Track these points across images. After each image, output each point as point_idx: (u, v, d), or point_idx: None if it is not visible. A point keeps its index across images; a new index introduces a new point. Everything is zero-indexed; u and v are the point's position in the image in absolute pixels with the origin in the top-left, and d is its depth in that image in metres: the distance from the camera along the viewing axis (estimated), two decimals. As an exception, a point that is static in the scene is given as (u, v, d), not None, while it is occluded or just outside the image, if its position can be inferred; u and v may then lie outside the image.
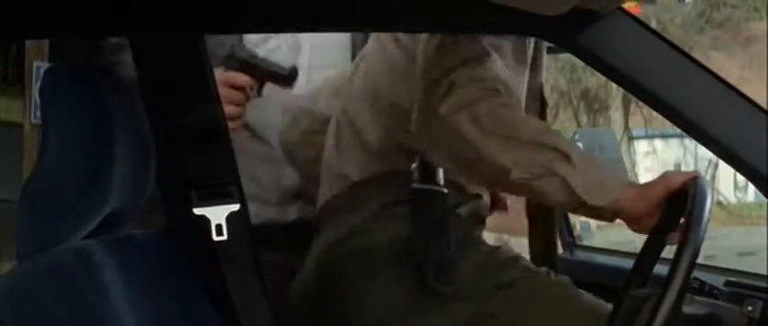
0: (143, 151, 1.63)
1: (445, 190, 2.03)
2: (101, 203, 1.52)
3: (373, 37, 2.26)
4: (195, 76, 2.14)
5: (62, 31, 2.24)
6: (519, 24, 1.92)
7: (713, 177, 17.44)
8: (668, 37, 1.90)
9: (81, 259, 1.48)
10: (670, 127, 1.98)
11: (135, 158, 1.60)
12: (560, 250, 3.31)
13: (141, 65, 2.21)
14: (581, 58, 1.93)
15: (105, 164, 1.52)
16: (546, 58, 2.29)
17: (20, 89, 6.22)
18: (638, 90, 1.91)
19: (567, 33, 1.89)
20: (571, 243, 3.28)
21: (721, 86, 1.88)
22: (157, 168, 1.77)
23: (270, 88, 2.35)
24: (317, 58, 2.53)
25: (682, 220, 1.76)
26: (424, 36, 2.03)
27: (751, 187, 1.95)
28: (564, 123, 20.08)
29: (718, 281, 2.10)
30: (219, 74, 2.07)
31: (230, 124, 2.02)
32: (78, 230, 1.52)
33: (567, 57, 2.09)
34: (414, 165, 2.04)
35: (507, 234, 7.36)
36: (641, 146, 20.68)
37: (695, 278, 1.96)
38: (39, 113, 4.72)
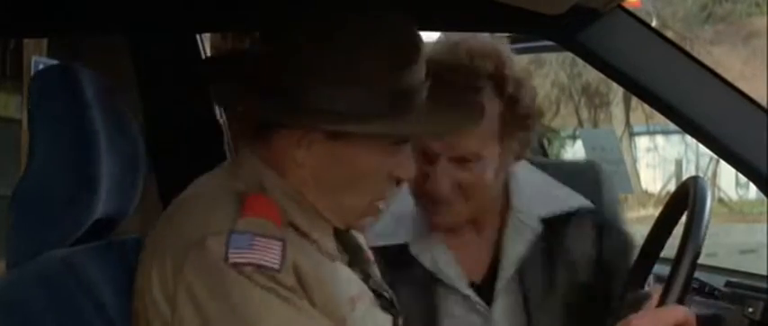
0: (133, 156, 1.62)
1: None
2: (90, 209, 1.50)
3: None
4: (191, 76, 2.14)
5: (61, 29, 2.24)
6: (520, 22, 1.92)
7: (714, 174, 17.46)
8: (669, 31, 1.90)
9: (69, 267, 1.46)
10: (671, 123, 1.97)
11: (124, 163, 1.59)
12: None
13: (139, 64, 2.22)
14: (581, 57, 1.93)
15: (94, 169, 1.50)
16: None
17: (18, 84, 6.21)
18: (637, 88, 1.91)
19: (568, 31, 1.89)
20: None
21: (721, 84, 1.88)
22: (153, 168, 1.76)
23: None
24: None
25: (683, 219, 1.75)
26: None
27: (752, 184, 1.95)
28: (565, 119, 20.09)
29: (718, 282, 2.09)
30: None
31: None
32: (67, 236, 1.51)
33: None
34: None
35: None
36: (642, 142, 20.69)
37: (696, 279, 1.96)
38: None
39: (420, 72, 1.53)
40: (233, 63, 1.59)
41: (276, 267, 1.40)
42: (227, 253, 1.39)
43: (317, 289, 1.45)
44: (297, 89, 1.47)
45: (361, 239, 1.70)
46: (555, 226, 1.99)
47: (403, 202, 1.98)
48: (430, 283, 1.95)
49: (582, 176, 2.04)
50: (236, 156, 1.56)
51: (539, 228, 1.97)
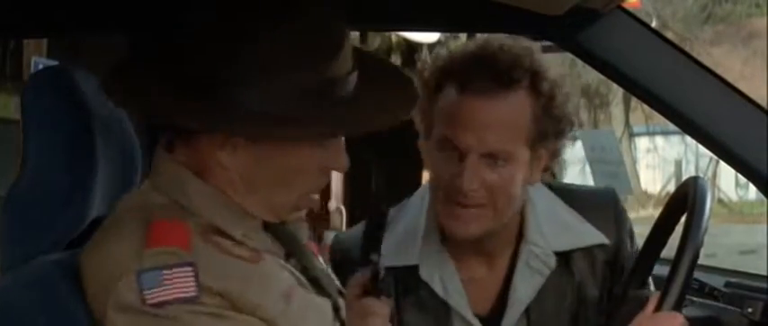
0: (127, 157, 1.61)
1: None
2: (84, 210, 1.50)
3: None
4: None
5: (61, 29, 2.24)
6: (520, 23, 1.91)
7: (714, 175, 17.46)
8: (669, 32, 1.89)
9: (64, 270, 1.45)
10: (671, 124, 1.97)
11: (119, 163, 1.58)
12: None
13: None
14: (580, 57, 1.93)
15: (88, 171, 1.49)
16: None
17: (18, 85, 6.21)
18: (637, 89, 1.91)
19: (568, 32, 1.89)
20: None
21: (721, 85, 1.88)
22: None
23: None
24: None
25: (682, 219, 1.75)
26: None
27: (752, 185, 1.95)
28: (564, 119, 20.08)
29: (718, 282, 2.09)
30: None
31: None
32: (62, 239, 1.50)
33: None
34: None
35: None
36: (642, 142, 20.68)
37: (695, 279, 1.95)
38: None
39: (345, 64, 1.46)
40: (147, 67, 1.49)
41: (194, 294, 1.38)
42: (141, 294, 1.37)
43: (240, 296, 1.42)
44: (215, 91, 1.41)
45: (298, 229, 1.63)
46: (567, 260, 1.92)
47: (412, 219, 1.94)
48: (439, 308, 1.90)
49: (599, 205, 1.97)
50: (154, 161, 1.50)
51: (553, 264, 1.90)
